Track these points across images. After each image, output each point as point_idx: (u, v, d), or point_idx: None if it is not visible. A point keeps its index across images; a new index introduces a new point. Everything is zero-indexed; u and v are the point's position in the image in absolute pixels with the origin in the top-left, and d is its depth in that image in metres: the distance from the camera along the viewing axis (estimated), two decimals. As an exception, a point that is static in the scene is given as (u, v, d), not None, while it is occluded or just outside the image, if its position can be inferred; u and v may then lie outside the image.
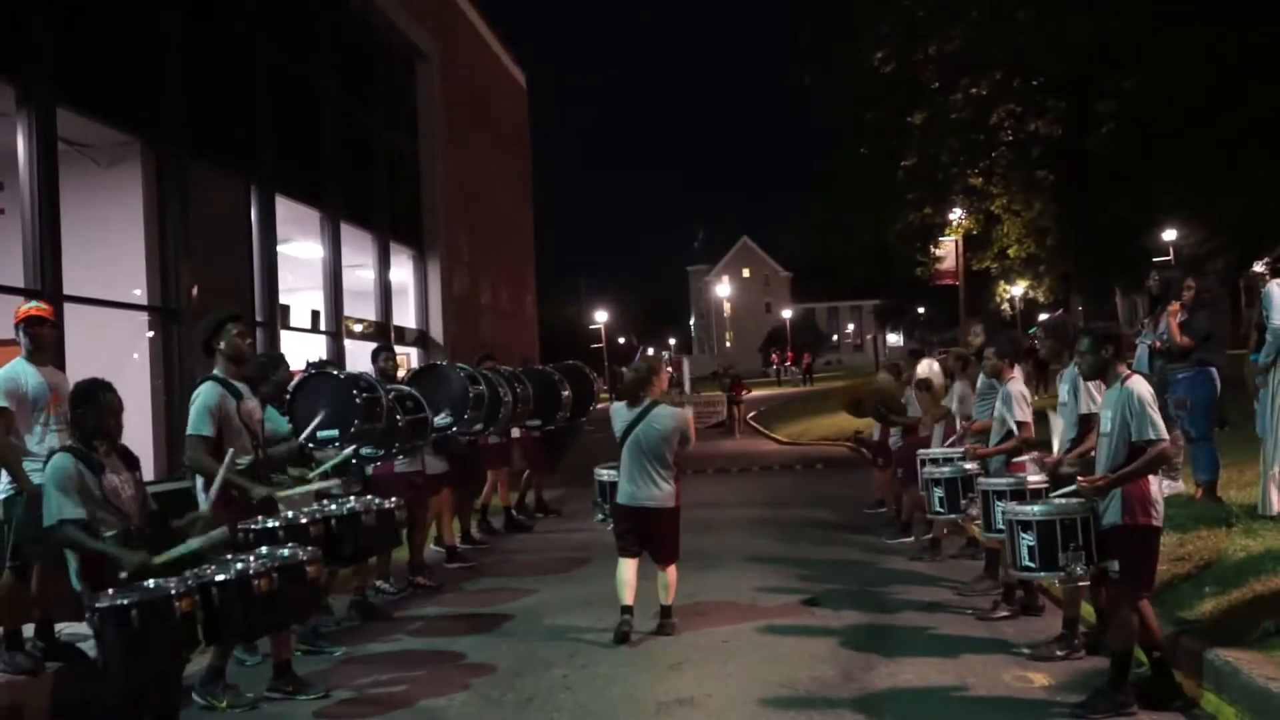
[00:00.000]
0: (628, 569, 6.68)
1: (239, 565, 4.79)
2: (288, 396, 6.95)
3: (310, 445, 6.69)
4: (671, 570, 6.75)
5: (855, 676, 5.66)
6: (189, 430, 5.72)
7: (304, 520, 5.72)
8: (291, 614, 5.22)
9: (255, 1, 12.47)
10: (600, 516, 7.65)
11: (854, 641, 6.35)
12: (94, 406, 5.06)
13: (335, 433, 6.77)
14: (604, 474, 7.58)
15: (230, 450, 5.69)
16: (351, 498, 6.32)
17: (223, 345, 5.86)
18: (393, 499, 6.30)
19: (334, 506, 6.03)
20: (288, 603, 4.89)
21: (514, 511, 11.97)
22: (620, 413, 6.87)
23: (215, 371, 5.87)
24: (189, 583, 4.51)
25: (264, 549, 5.10)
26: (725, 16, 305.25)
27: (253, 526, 5.58)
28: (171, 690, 4.55)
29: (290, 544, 5.25)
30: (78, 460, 4.97)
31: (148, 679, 4.37)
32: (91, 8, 9.44)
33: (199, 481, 5.76)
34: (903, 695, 5.35)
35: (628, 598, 6.63)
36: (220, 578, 4.66)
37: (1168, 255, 26.45)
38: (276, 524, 5.63)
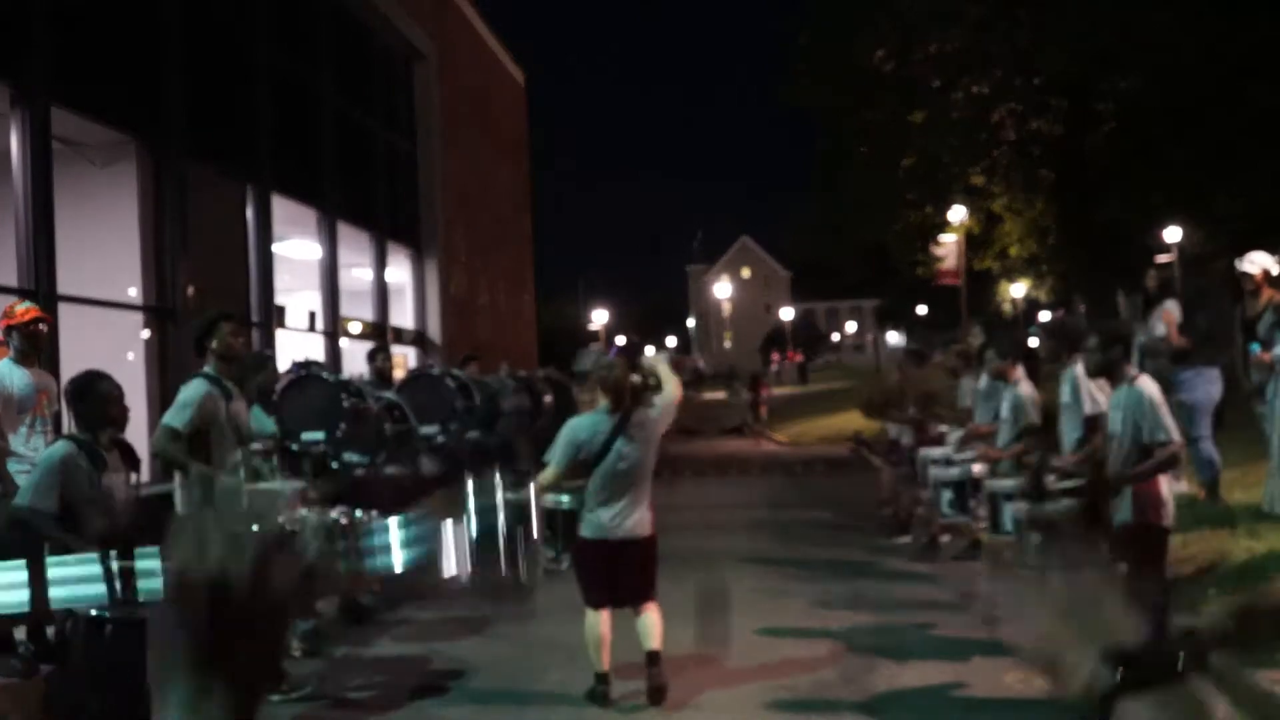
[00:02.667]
0: (602, 623, 5.35)
1: None
2: (275, 398, 6.89)
3: (293, 449, 6.64)
4: (654, 609, 5.45)
5: (855, 678, 5.61)
6: (163, 419, 5.69)
7: (290, 530, 5.64)
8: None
9: (253, 1, 12.43)
10: (552, 554, 5.81)
11: (854, 642, 6.30)
12: (93, 398, 5.03)
13: (321, 435, 6.72)
14: (550, 500, 5.75)
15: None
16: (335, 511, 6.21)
17: (215, 344, 5.83)
18: (373, 512, 6.18)
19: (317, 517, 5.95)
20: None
21: None
22: (585, 427, 5.44)
23: (207, 369, 5.84)
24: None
25: None
26: (725, 16, 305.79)
27: None
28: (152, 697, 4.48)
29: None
30: (80, 453, 4.94)
31: (118, 690, 4.31)
32: (88, 7, 9.40)
33: (178, 478, 5.74)
34: (903, 696, 5.30)
35: (605, 659, 5.36)
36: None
37: (1170, 254, 26.43)
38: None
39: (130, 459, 5.35)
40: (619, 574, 5.38)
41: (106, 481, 5.03)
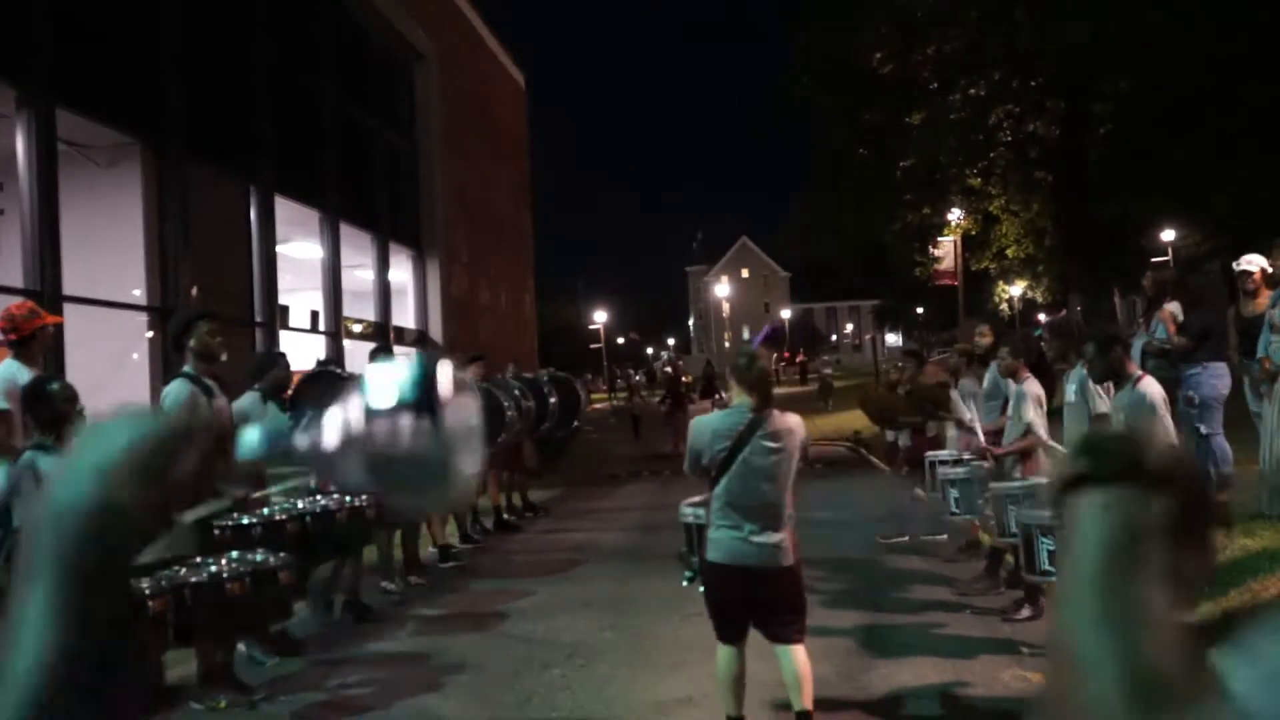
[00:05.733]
0: (734, 661, 4.58)
1: (213, 568, 4.79)
2: (291, 394, 6.97)
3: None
4: (802, 653, 4.54)
5: (854, 676, 5.66)
6: None
7: (280, 518, 5.70)
8: (262, 619, 5.20)
9: (254, 3, 12.48)
10: (689, 575, 5.24)
11: (852, 641, 6.35)
12: (46, 399, 5.08)
13: None
14: (698, 513, 5.27)
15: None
16: (320, 497, 6.24)
17: (193, 343, 5.87)
18: (364, 497, 6.17)
19: (307, 504, 6.00)
20: (259, 608, 4.88)
21: (504, 513, 12.01)
22: (708, 428, 4.55)
23: (186, 369, 5.89)
24: (163, 584, 4.52)
25: (235, 553, 5.08)
26: (725, 17, 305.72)
27: (228, 523, 5.57)
28: (147, 688, 4.55)
29: (262, 548, 5.23)
30: (47, 457, 4.99)
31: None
32: (91, 9, 9.45)
33: None
34: (901, 695, 5.35)
35: (736, 705, 4.60)
36: (194, 580, 4.66)
37: (1166, 255, 26.50)
38: (252, 520, 5.62)
39: None
40: (752, 608, 4.55)
41: None
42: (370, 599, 7.89)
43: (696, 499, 5.23)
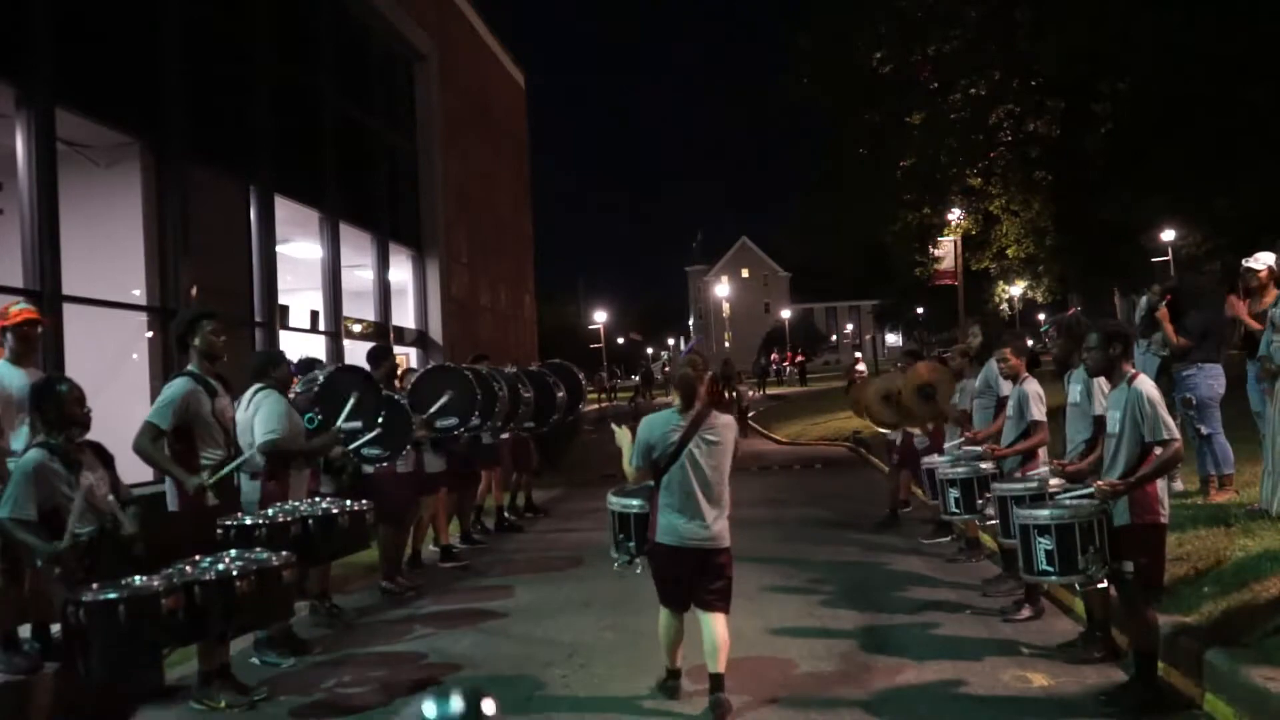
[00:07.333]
0: (675, 622, 5.33)
1: (220, 566, 4.80)
2: (317, 389, 7.17)
3: (342, 433, 6.84)
4: (723, 624, 5.22)
5: (854, 676, 5.66)
6: (147, 416, 5.73)
7: (282, 520, 5.70)
8: (267, 616, 5.22)
9: (254, 3, 12.48)
10: (625, 558, 5.74)
11: (853, 641, 6.35)
12: (53, 400, 5.07)
13: (359, 424, 6.96)
14: (630, 504, 5.74)
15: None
16: (325, 500, 6.27)
17: (197, 342, 5.87)
18: (363, 501, 6.20)
19: (308, 507, 6.01)
20: (264, 605, 4.90)
21: (505, 512, 12.00)
22: (657, 426, 5.23)
23: (190, 367, 5.89)
24: (175, 581, 4.53)
25: (233, 551, 5.08)
26: (726, 16, 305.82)
27: (231, 524, 5.58)
28: (148, 682, 4.57)
29: (263, 547, 5.24)
30: (53, 457, 4.99)
31: (128, 676, 4.38)
32: (91, 9, 9.45)
33: (168, 479, 5.81)
34: (901, 695, 5.35)
35: (676, 657, 5.36)
36: (205, 578, 4.67)
37: (1166, 255, 26.49)
38: (257, 522, 5.63)
39: (104, 458, 5.39)
40: (693, 582, 5.23)
41: (85, 481, 5.07)
42: (370, 599, 7.91)
43: (627, 490, 5.79)
